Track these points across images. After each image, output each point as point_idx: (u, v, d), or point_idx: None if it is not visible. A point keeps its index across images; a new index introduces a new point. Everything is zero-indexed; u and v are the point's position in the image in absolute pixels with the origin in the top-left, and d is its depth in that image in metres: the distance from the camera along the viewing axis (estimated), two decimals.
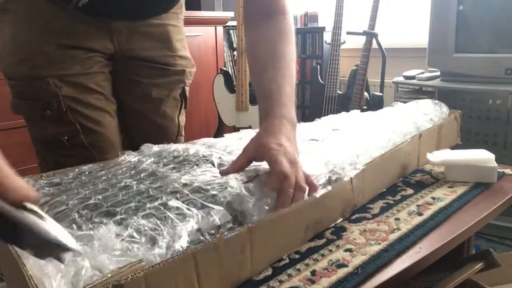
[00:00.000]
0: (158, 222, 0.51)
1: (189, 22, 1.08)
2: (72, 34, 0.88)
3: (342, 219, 0.70)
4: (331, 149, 0.75)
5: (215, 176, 0.63)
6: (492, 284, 1.33)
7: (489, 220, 0.74)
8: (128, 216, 0.52)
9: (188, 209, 0.54)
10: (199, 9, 2.79)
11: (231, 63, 3.17)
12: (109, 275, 0.41)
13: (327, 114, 1.37)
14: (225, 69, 2.66)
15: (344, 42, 2.57)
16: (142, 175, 0.68)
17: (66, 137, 0.90)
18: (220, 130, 2.52)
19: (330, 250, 0.61)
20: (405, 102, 1.16)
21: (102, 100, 0.94)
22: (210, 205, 0.55)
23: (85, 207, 0.57)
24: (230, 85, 2.51)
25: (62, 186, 0.67)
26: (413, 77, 2.03)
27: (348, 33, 2.48)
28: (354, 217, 0.71)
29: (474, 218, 0.71)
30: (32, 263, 0.44)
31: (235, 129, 2.44)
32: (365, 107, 2.39)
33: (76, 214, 0.55)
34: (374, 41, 2.34)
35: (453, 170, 0.86)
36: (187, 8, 1.07)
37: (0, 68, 0.90)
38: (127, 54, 0.96)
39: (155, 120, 1.03)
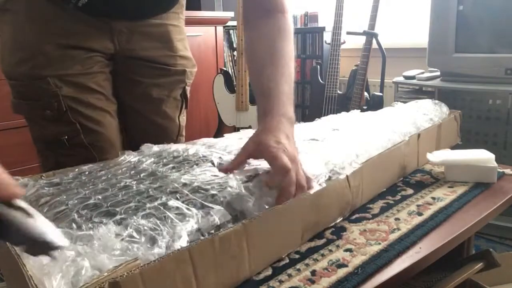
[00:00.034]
0: (158, 222, 0.51)
1: (189, 22, 1.07)
2: (72, 34, 0.88)
3: (341, 218, 0.70)
4: (331, 149, 0.75)
5: (215, 176, 0.63)
6: (492, 284, 1.33)
7: (489, 220, 0.74)
8: (128, 216, 0.52)
9: (187, 209, 0.54)
10: (199, 9, 2.79)
11: (231, 63, 3.17)
12: (106, 273, 0.41)
13: (327, 114, 1.37)
14: (225, 69, 2.66)
15: (344, 42, 2.57)
16: (142, 175, 0.68)
17: (66, 137, 0.90)
18: (220, 130, 2.53)
19: (330, 250, 0.61)
20: (405, 102, 1.16)
21: (102, 100, 0.94)
22: (209, 205, 0.55)
23: (85, 207, 0.57)
24: (230, 85, 2.51)
25: (62, 186, 0.67)
26: (413, 77, 2.03)
27: (348, 33, 2.48)
28: (354, 217, 0.71)
29: (474, 218, 0.71)
30: (32, 263, 0.44)
31: (235, 129, 2.44)
32: (365, 107, 2.39)
33: (76, 214, 0.55)
34: (374, 41, 2.34)
35: (453, 170, 0.86)
36: (187, 8, 1.06)
37: (0, 68, 0.90)
38: (128, 54, 0.96)
39: (155, 120, 1.03)
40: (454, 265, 0.86)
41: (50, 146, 0.92)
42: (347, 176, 0.69)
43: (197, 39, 2.59)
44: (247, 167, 0.67)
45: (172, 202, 0.55)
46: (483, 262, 0.85)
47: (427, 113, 1.01)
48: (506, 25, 1.73)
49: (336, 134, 0.86)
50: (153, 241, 0.48)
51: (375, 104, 2.35)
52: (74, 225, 0.51)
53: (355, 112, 1.06)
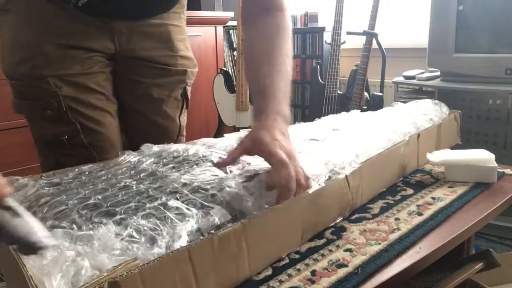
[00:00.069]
0: (158, 222, 0.51)
1: (189, 22, 1.07)
2: (72, 34, 0.88)
3: (341, 218, 0.70)
4: (331, 149, 0.75)
5: (215, 176, 0.63)
6: (492, 284, 1.33)
7: (489, 220, 0.74)
8: (128, 216, 0.52)
9: (187, 209, 0.54)
10: (199, 9, 2.79)
11: (231, 63, 3.17)
12: (105, 273, 0.41)
13: (327, 114, 1.37)
14: (225, 69, 2.66)
15: (344, 42, 2.57)
16: (142, 175, 0.68)
17: (66, 137, 0.90)
18: (220, 130, 2.52)
19: (330, 250, 0.61)
20: (405, 102, 1.16)
21: (102, 100, 0.94)
22: (209, 204, 0.55)
23: (85, 207, 0.57)
24: (230, 85, 2.51)
25: (62, 186, 0.67)
26: (413, 77, 2.03)
27: (348, 33, 2.48)
28: (354, 217, 0.71)
29: (474, 218, 0.71)
30: (32, 263, 0.44)
31: (235, 129, 2.44)
32: (365, 107, 2.39)
33: (76, 214, 0.55)
34: (374, 41, 2.34)
35: (453, 170, 0.86)
36: (187, 8, 1.06)
37: (1, 68, 0.90)
38: (128, 54, 0.96)
39: (155, 120, 1.03)
40: (454, 265, 0.86)
41: (50, 146, 0.92)
42: (346, 176, 0.69)
43: (197, 39, 2.59)
44: (247, 167, 0.67)
45: (172, 202, 0.55)
46: (483, 262, 0.85)
47: (427, 113, 1.01)
48: (506, 25, 1.73)
49: (336, 134, 0.86)
50: (153, 241, 0.48)
51: (375, 104, 2.34)
52: (74, 225, 0.51)
53: (355, 112, 1.06)
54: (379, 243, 0.62)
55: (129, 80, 0.99)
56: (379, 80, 2.40)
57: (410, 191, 0.82)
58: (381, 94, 2.38)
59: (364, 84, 2.40)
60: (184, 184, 0.61)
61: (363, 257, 0.59)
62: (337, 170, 0.69)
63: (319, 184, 0.64)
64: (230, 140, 0.85)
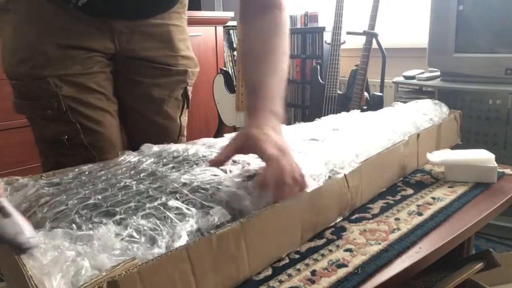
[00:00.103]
0: (158, 222, 0.51)
1: (189, 22, 1.07)
2: (72, 34, 0.88)
3: (341, 218, 0.70)
4: (331, 149, 0.75)
5: (215, 176, 0.63)
6: (492, 284, 1.33)
7: (489, 220, 0.74)
8: (128, 216, 0.52)
9: (187, 209, 0.54)
10: (199, 9, 2.79)
11: (231, 63, 3.17)
12: (104, 273, 0.41)
13: (327, 114, 1.37)
14: (225, 69, 2.66)
15: (344, 42, 2.57)
16: (141, 175, 0.68)
17: (66, 137, 0.90)
18: (220, 130, 2.52)
19: (330, 250, 0.61)
20: (405, 102, 1.16)
21: (102, 100, 0.94)
22: (209, 204, 0.55)
23: (85, 207, 0.57)
24: (230, 85, 2.51)
25: (62, 186, 0.67)
26: (413, 77, 2.03)
27: (348, 33, 2.48)
28: (354, 217, 0.71)
29: (474, 218, 0.71)
30: (32, 263, 0.44)
31: (235, 129, 2.44)
32: (365, 107, 2.39)
33: (75, 214, 0.55)
34: (374, 41, 2.34)
35: (453, 170, 0.86)
36: (187, 8, 1.06)
37: (2, 68, 0.90)
38: (128, 54, 0.96)
39: (156, 120, 1.03)
40: (454, 265, 0.86)
41: (50, 146, 0.92)
42: (345, 175, 0.69)
43: (197, 39, 2.60)
44: (246, 167, 0.67)
45: (172, 202, 0.55)
46: (483, 262, 0.85)
47: (427, 113, 1.01)
48: (506, 25, 1.73)
49: (336, 134, 0.86)
50: (153, 241, 0.48)
51: (375, 104, 2.34)
52: (74, 225, 0.51)
53: (355, 112, 1.06)
54: (379, 243, 0.62)
55: (129, 80, 0.99)
56: (379, 80, 2.40)
57: (410, 191, 0.82)
58: (381, 94, 2.38)
59: (364, 84, 2.40)
60: (184, 184, 0.61)
61: (363, 257, 0.59)
62: (337, 170, 0.69)
63: (318, 184, 0.64)
64: None
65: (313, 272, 0.56)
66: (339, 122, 0.97)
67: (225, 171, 0.66)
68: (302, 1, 3.31)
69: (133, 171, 0.71)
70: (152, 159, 0.76)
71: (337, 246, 0.62)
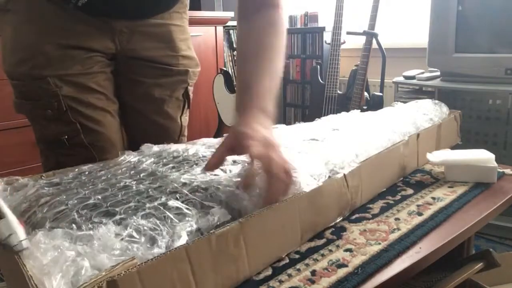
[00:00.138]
0: (158, 222, 0.51)
1: (189, 22, 1.07)
2: (72, 34, 0.88)
3: (341, 218, 0.70)
4: (331, 149, 0.75)
5: (215, 175, 0.63)
6: (492, 284, 1.33)
7: (489, 220, 0.74)
8: (128, 216, 0.52)
9: (187, 209, 0.54)
10: (199, 9, 2.79)
11: (231, 63, 3.17)
12: (103, 273, 0.41)
13: (327, 114, 1.37)
14: (225, 69, 2.66)
15: (344, 42, 2.57)
16: (141, 175, 0.68)
17: (66, 137, 0.90)
18: (220, 130, 2.53)
19: (330, 250, 0.61)
20: (405, 102, 1.16)
21: (103, 99, 0.94)
22: (209, 204, 0.55)
23: (85, 207, 0.57)
24: (230, 85, 2.52)
25: (62, 186, 0.67)
26: (413, 77, 2.03)
27: (348, 33, 2.48)
28: (354, 217, 0.71)
29: (474, 218, 0.71)
30: (32, 263, 0.44)
31: None
32: (365, 107, 2.39)
33: (75, 214, 0.55)
34: (374, 41, 2.34)
35: (453, 170, 0.86)
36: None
37: (2, 68, 0.90)
38: (129, 54, 0.96)
39: (157, 120, 1.03)
40: (454, 265, 0.86)
41: (50, 145, 0.92)
42: (344, 175, 0.69)
43: (197, 39, 2.60)
44: (247, 166, 0.67)
45: (172, 202, 0.55)
46: (483, 262, 0.85)
47: (427, 113, 1.01)
48: (506, 25, 1.73)
49: (336, 134, 0.86)
50: (153, 241, 0.48)
51: (375, 104, 2.35)
52: (74, 225, 0.51)
53: (355, 112, 1.06)
54: (379, 243, 0.62)
55: (130, 80, 0.99)
56: (379, 80, 2.40)
57: (410, 191, 0.82)
58: (381, 94, 2.38)
59: (364, 84, 2.40)
60: (184, 184, 0.61)
61: (363, 257, 0.59)
62: (337, 170, 0.69)
63: (317, 184, 0.64)
64: None
65: (313, 272, 0.56)
66: (339, 122, 0.97)
67: (225, 171, 0.66)
68: (302, 1, 3.31)
69: (133, 171, 0.71)
70: (152, 159, 0.76)
71: (337, 246, 0.62)
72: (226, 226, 0.51)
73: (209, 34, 2.71)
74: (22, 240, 0.44)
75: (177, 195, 0.58)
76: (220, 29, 2.76)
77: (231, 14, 2.77)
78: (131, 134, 1.04)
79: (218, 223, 0.53)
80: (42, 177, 0.73)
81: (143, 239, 0.48)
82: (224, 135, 0.92)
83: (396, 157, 0.84)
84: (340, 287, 0.52)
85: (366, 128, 0.89)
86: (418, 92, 2.05)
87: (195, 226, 0.51)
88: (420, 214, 0.71)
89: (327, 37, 2.95)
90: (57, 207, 0.57)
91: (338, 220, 0.69)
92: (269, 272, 0.56)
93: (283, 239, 0.59)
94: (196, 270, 0.47)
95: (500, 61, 1.71)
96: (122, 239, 0.48)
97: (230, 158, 0.70)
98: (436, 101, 1.09)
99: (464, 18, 1.80)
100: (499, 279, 1.42)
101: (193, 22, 2.58)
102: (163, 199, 0.56)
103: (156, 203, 0.55)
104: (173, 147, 0.83)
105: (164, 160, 0.74)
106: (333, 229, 0.67)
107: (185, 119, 1.09)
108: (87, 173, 0.73)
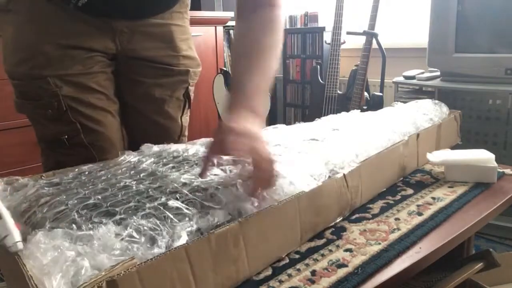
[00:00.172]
0: (158, 222, 0.51)
1: (189, 22, 1.07)
2: (72, 34, 0.88)
3: (341, 218, 0.70)
4: (331, 149, 0.75)
5: (215, 175, 0.63)
6: (492, 284, 1.33)
7: (489, 220, 0.74)
8: (128, 216, 0.52)
9: (187, 209, 0.54)
10: (199, 9, 2.79)
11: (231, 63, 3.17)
12: (103, 273, 0.41)
13: (327, 114, 1.37)
14: (225, 69, 2.66)
15: (344, 42, 2.57)
16: (141, 175, 0.68)
17: (66, 136, 0.90)
18: None
19: (330, 250, 0.61)
20: (405, 102, 1.16)
21: (103, 99, 0.94)
22: (209, 204, 0.55)
23: (85, 207, 0.57)
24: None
25: (62, 186, 0.67)
26: (413, 77, 2.03)
27: (348, 33, 2.48)
28: (354, 217, 0.71)
29: (474, 218, 0.71)
30: (32, 263, 0.44)
31: None
32: (365, 107, 2.39)
33: (75, 214, 0.55)
34: (374, 41, 2.34)
35: (453, 170, 0.86)
36: None
37: (4, 68, 0.90)
38: (129, 54, 0.96)
39: (157, 120, 1.03)
40: (454, 265, 0.86)
41: (50, 145, 0.92)
42: (344, 175, 0.69)
43: (197, 39, 2.59)
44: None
45: (172, 202, 0.55)
46: (483, 262, 0.85)
47: (427, 113, 1.01)
48: (506, 25, 1.73)
49: (336, 134, 0.86)
50: (153, 241, 0.48)
51: (375, 104, 2.35)
52: (74, 225, 0.51)
53: (355, 112, 1.06)
54: (379, 243, 0.62)
55: (130, 80, 0.99)
56: (379, 80, 2.40)
57: (410, 191, 0.82)
58: (381, 94, 2.38)
59: (364, 84, 2.40)
60: (184, 184, 0.61)
61: (363, 257, 0.59)
62: (337, 170, 0.69)
63: (317, 184, 0.64)
64: None
65: (313, 272, 0.56)
66: (339, 122, 0.97)
67: (225, 171, 0.66)
68: (302, 1, 3.31)
69: (133, 171, 0.71)
70: (152, 159, 0.76)
71: (337, 246, 0.62)
72: (225, 226, 0.51)
73: (209, 34, 2.71)
74: (17, 242, 0.45)
75: (177, 195, 0.58)
76: (220, 29, 2.76)
77: (231, 14, 2.77)
78: (131, 134, 1.04)
79: (218, 223, 0.53)
80: (42, 177, 0.73)
81: (143, 239, 0.48)
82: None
83: (396, 157, 0.84)
84: (340, 287, 0.52)
85: (366, 128, 0.89)
86: (418, 92, 2.05)
87: (195, 226, 0.51)
88: (420, 214, 0.71)
89: (327, 37, 2.95)
90: (57, 207, 0.57)
91: (338, 220, 0.69)
92: (269, 272, 0.56)
93: (283, 239, 0.59)
94: (196, 270, 0.47)
95: (500, 61, 1.71)
96: (122, 239, 0.48)
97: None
98: (436, 101, 1.09)
99: (464, 18, 1.80)
100: (499, 279, 1.42)
101: (193, 22, 2.57)
102: (163, 199, 0.56)
103: (156, 203, 0.55)
104: (173, 147, 0.83)
105: (164, 160, 0.74)
106: (333, 229, 0.67)
107: (186, 119, 1.09)
108: (87, 173, 0.73)
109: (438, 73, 1.97)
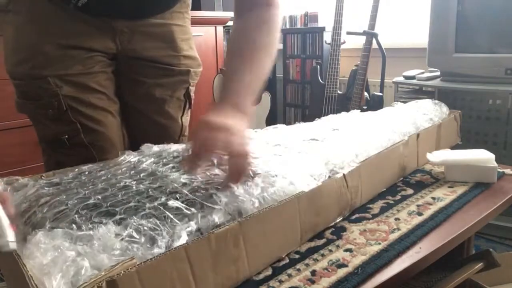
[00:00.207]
0: (158, 222, 0.51)
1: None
2: (72, 34, 0.88)
3: (341, 218, 0.70)
4: (331, 149, 0.75)
5: (215, 175, 0.63)
6: (492, 284, 1.33)
7: (489, 220, 0.74)
8: (128, 216, 0.52)
9: (187, 209, 0.54)
10: (199, 9, 2.79)
11: None
12: (103, 273, 0.41)
13: (327, 114, 1.37)
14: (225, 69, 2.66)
15: (344, 42, 2.57)
16: (141, 175, 0.68)
17: (67, 136, 0.90)
18: None
19: (330, 250, 0.61)
20: (405, 102, 1.16)
21: (103, 99, 0.94)
22: (209, 204, 0.55)
23: (85, 207, 0.57)
24: None
25: (62, 186, 0.67)
26: (413, 77, 2.03)
27: (348, 33, 2.48)
28: (354, 217, 0.71)
29: (474, 218, 0.71)
30: (32, 263, 0.44)
31: None
32: (365, 107, 2.39)
33: (75, 214, 0.55)
34: (374, 41, 2.34)
35: (453, 170, 0.86)
36: None
37: (5, 68, 0.90)
38: (130, 54, 0.96)
39: (158, 120, 1.03)
40: (454, 265, 0.86)
41: (51, 145, 0.92)
42: (344, 175, 0.69)
43: (197, 39, 2.59)
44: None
45: (172, 202, 0.55)
46: (483, 262, 0.85)
47: (427, 113, 1.01)
48: (506, 25, 1.73)
49: (336, 134, 0.86)
50: (153, 241, 0.48)
51: (375, 104, 2.35)
52: (74, 225, 0.51)
53: (355, 112, 1.06)
54: (379, 243, 0.62)
55: (131, 80, 0.99)
56: (379, 80, 2.40)
57: (410, 191, 0.82)
58: (381, 94, 2.38)
59: (364, 84, 2.40)
60: (184, 184, 0.61)
61: (363, 257, 0.59)
62: (337, 170, 0.69)
63: (317, 184, 0.64)
64: None
65: (313, 272, 0.56)
66: (339, 122, 0.97)
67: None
68: (302, 1, 3.31)
69: (133, 171, 0.71)
70: (152, 159, 0.76)
71: (337, 246, 0.62)
72: (225, 226, 0.51)
73: (209, 34, 2.71)
74: (10, 242, 0.46)
75: (177, 195, 0.58)
76: (220, 29, 2.76)
77: (231, 14, 2.77)
78: (132, 134, 1.04)
79: (218, 223, 0.53)
80: (42, 177, 0.73)
81: (143, 239, 0.48)
82: None
83: (396, 157, 0.84)
84: (340, 287, 0.52)
85: (366, 128, 0.89)
86: (418, 92, 2.05)
87: (195, 226, 0.51)
88: (420, 214, 0.71)
89: (327, 37, 2.95)
90: (57, 207, 0.57)
91: (338, 220, 0.69)
92: (269, 272, 0.56)
93: (283, 239, 0.59)
94: (196, 270, 0.47)
95: (500, 61, 1.71)
96: (122, 239, 0.48)
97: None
98: (436, 101, 1.09)
99: (464, 18, 1.80)
100: (499, 279, 1.42)
101: (193, 22, 2.56)
102: (163, 199, 0.56)
103: (156, 203, 0.55)
104: (173, 147, 0.83)
105: (164, 160, 0.74)
106: (333, 229, 0.67)
107: (186, 119, 1.09)
108: (87, 173, 0.73)
109: (438, 73, 1.97)
